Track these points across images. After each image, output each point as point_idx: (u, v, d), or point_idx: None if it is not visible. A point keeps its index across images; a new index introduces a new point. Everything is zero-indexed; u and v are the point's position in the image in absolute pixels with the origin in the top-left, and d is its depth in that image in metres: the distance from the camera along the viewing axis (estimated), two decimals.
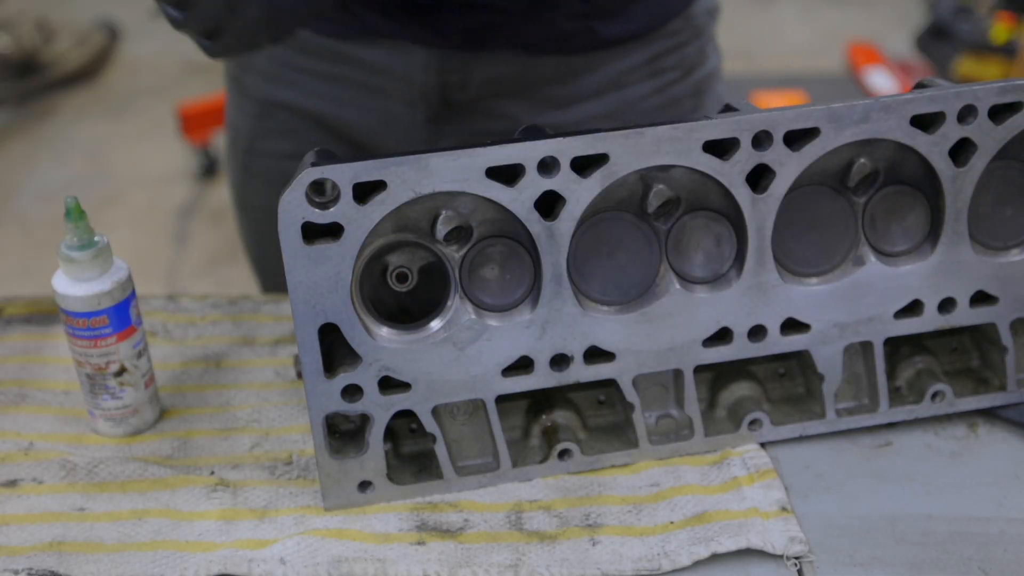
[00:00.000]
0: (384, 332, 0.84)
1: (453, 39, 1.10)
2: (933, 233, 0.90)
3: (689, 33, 1.19)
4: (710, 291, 0.87)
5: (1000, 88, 0.85)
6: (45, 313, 1.13)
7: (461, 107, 1.16)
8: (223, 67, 1.33)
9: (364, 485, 0.86)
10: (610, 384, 0.89)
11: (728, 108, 0.86)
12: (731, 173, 0.83)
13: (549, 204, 0.82)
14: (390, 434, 0.89)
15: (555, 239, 0.82)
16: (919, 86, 0.88)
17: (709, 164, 0.83)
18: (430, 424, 0.86)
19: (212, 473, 0.90)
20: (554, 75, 1.14)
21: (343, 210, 0.78)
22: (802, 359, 0.94)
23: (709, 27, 1.23)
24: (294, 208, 0.77)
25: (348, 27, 1.13)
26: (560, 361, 0.86)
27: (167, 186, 3.87)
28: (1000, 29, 3.72)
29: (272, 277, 1.38)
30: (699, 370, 0.91)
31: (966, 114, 0.85)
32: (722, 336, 0.89)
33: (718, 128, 0.82)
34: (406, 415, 0.86)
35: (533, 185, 0.80)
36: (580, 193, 0.81)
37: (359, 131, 1.22)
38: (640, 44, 1.16)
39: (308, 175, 0.76)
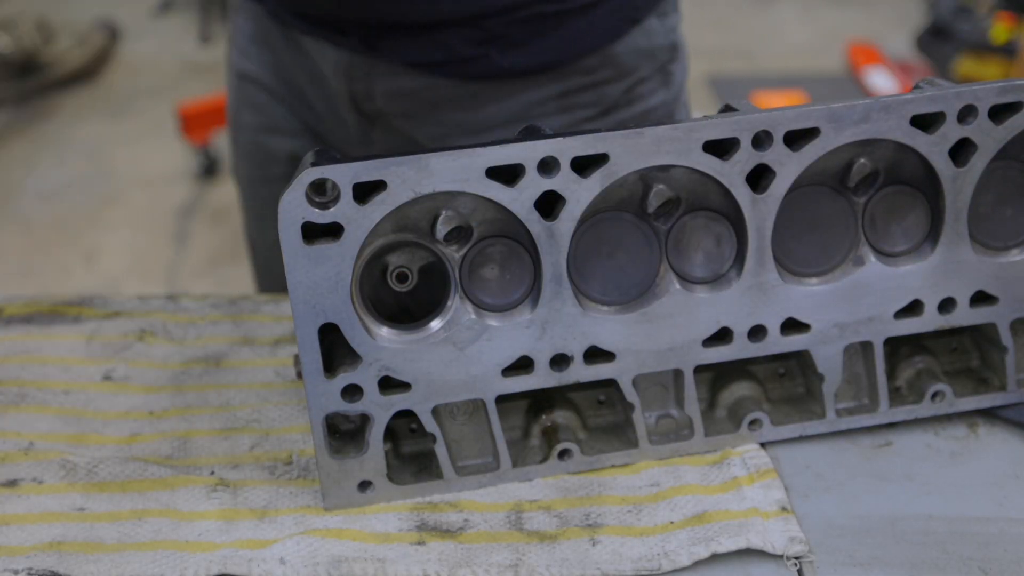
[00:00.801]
0: (384, 332, 0.84)
1: (353, 41, 1.11)
2: (933, 233, 0.90)
3: (609, 72, 1.15)
4: (710, 291, 0.87)
5: (1000, 88, 0.85)
6: (45, 313, 1.13)
7: (374, 119, 1.18)
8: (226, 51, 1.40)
9: (364, 485, 0.86)
10: (610, 384, 0.89)
11: (728, 108, 0.86)
12: (731, 173, 0.83)
13: (549, 204, 0.82)
14: (390, 434, 0.89)
15: (555, 239, 0.82)
16: (919, 86, 0.88)
17: (709, 164, 0.83)
18: (430, 424, 0.86)
19: (212, 473, 0.90)
20: (456, 99, 1.14)
21: (343, 210, 0.78)
22: (802, 359, 0.94)
23: (645, 68, 1.17)
24: (294, 208, 0.77)
25: (285, 18, 1.17)
26: (560, 361, 0.86)
27: (167, 186, 3.88)
28: (1000, 29, 3.73)
29: (257, 250, 1.41)
30: (699, 370, 0.91)
31: (966, 114, 0.85)
32: (722, 336, 0.89)
33: (718, 128, 0.82)
34: (406, 415, 0.86)
35: (533, 185, 0.80)
36: (580, 193, 0.81)
37: (308, 117, 1.25)
38: (550, 78, 1.13)
39: (308, 175, 0.76)
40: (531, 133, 0.82)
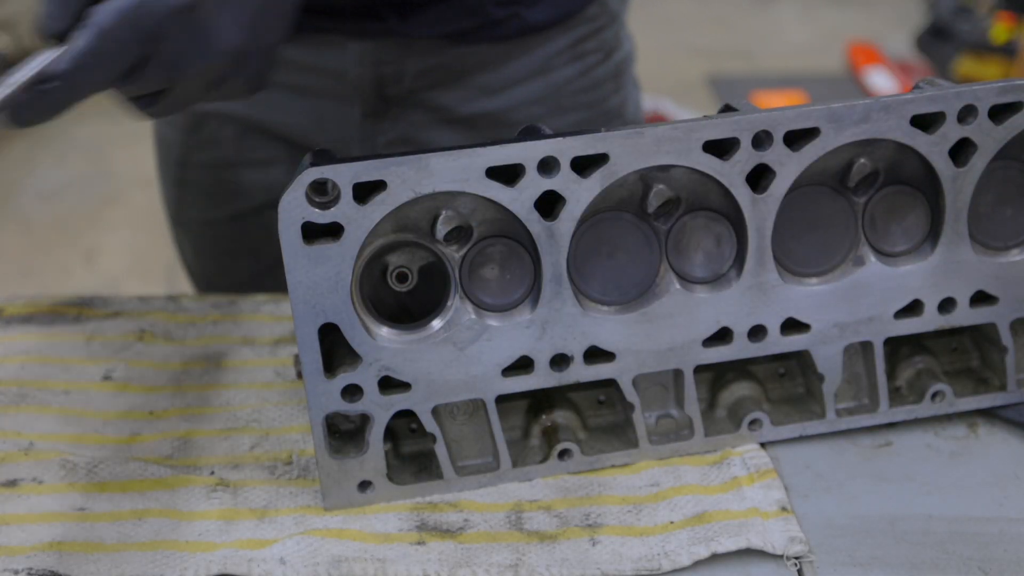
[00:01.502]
0: (384, 332, 0.84)
1: (390, 24, 1.12)
2: (933, 233, 0.90)
3: (605, 19, 1.25)
4: (710, 291, 0.87)
5: (1000, 88, 0.85)
6: (45, 313, 1.13)
7: (396, 100, 1.19)
8: None
9: (364, 485, 0.86)
10: (610, 384, 0.89)
11: (728, 108, 0.86)
12: (731, 173, 0.83)
13: (549, 204, 0.82)
14: (390, 434, 0.89)
15: (555, 239, 0.82)
16: (919, 86, 0.88)
17: (709, 164, 0.83)
18: (430, 424, 0.86)
19: (212, 473, 0.90)
20: (484, 63, 1.18)
21: (343, 210, 0.78)
22: (802, 359, 0.94)
23: (622, 13, 1.29)
24: (294, 208, 0.77)
25: (304, 23, 1.15)
26: (560, 361, 0.86)
27: None
28: (1000, 29, 3.73)
29: (215, 291, 1.38)
30: (699, 370, 0.91)
31: (966, 114, 0.85)
32: (722, 336, 0.89)
33: (718, 128, 0.82)
34: (406, 415, 0.86)
35: (533, 185, 0.80)
36: (580, 193, 0.81)
37: (292, 132, 1.24)
38: (562, 29, 1.21)
39: (308, 175, 0.76)
40: (531, 133, 0.82)
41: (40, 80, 0.69)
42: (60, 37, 0.71)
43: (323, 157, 0.79)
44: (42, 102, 0.71)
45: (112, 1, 0.71)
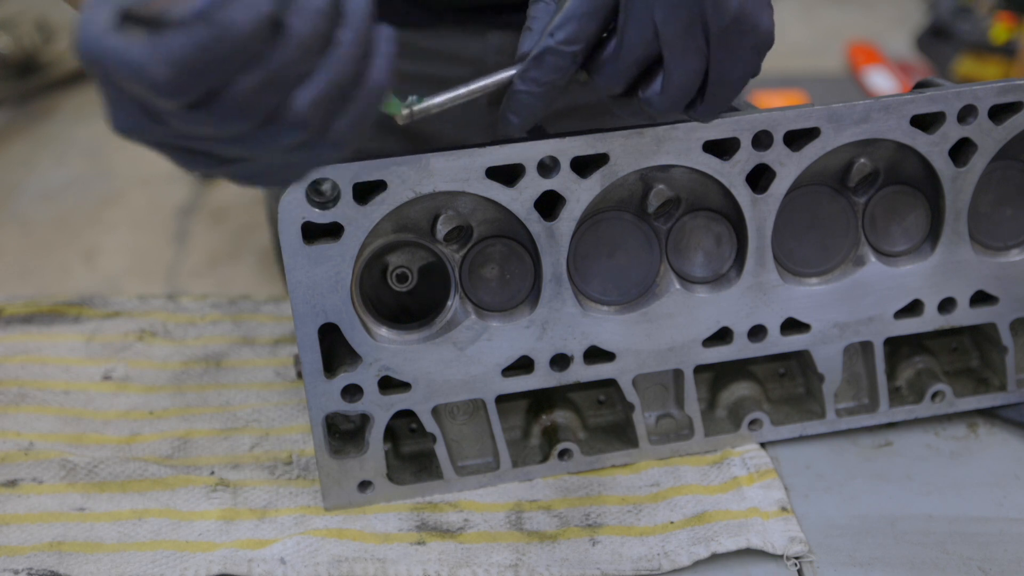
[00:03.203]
0: (384, 332, 0.84)
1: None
2: (933, 233, 0.90)
3: None
4: (710, 291, 0.87)
5: (1000, 88, 0.85)
6: (45, 313, 1.13)
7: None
8: None
9: (364, 485, 0.86)
10: (610, 384, 0.89)
11: (728, 108, 0.86)
12: (731, 173, 0.83)
13: (549, 204, 0.82)
14: (390, 434, 0.89)
15: (555, 239, 0.82)
16: (919, 86, 0.88)
17: (709, 164, 0.83)
18: (430, 424, 0.86)
19: (212, 473, 0.90)
20: None
21: (343, 210, 0.78)
22: (802, 359, 0.94)
23: None
24: (294, 208, 0.77)
25: (420, 16, 1.16)
26: (560, 361, 0.86)
27: (167, 186, 3.87)
28: (1000, 29, 3.72)
29: None
30: (699, 370, 0.91)
31: (966, 114, 0.85)
32: (722, 336, 0.89)
33: (718, 128, 0.81)
34: (406, 415, 0.86)
35: (533, 185, 0.80)
36: (580, 193, 0.81)
37: (417, 122, 1.25)
38: None
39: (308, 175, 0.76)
40: (531, 133, 0.82)
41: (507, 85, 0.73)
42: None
43: None
44: (511, 99, 0.73)
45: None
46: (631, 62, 0.70)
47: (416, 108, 0.72)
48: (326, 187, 0.78)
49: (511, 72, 0.74)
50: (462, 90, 0.73)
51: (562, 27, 0.71)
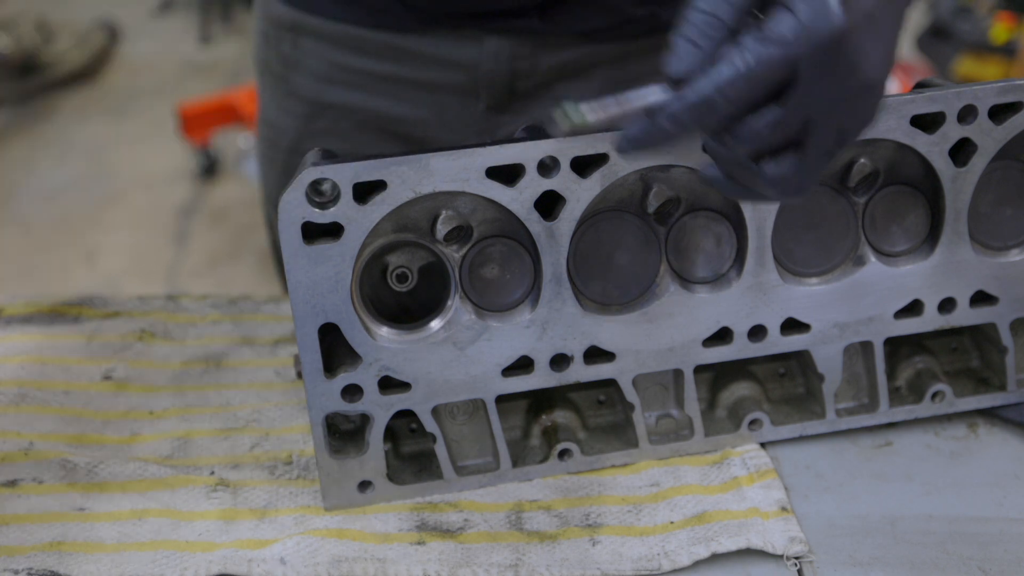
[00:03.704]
0: (384, 332, 0.84)
1: (531, 22, 1.13)
2: (933, 233, 0.90)
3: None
4: (710, 291, 0.87)
5: (1000, 88, 0.85)
6: (45, 313, 1.13)
7: (524, 93, 1.20)
8: (253, 64, 1.33)
9: (364, 485, 0.86)
10: (610, 384, 0.89)
11: None
12: None
13: (549, 204, 0.82)
14: (390, 434, 0.89)
15: (555, 239, 0.82)
16: (919, 86, 0.88)
17: None
18: (430, 424, 0.86)
19: (212, 473, 0.90)
20: (614, 58, 1.19)
21: (343, 210, 0.78)
22: (802, 359, 0.94)
23: None
24: (294, 208, 0.77)
25: (416, 21, 1.16)
26: (560, 361, 0.86)
27: (167, 186, 3.88)
28: (1000, 29, 3.72)
29: None
30: (699, 370, 0.91)
31: (966, 114, 0.85)
32: (722, 336, 0.89)
33: None
34: (406, 415, 0.86)
35: (533, 185, 0.80)
36: (580, 193, 0.81)
37: (412, 126, 1.23)
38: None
39: (308, 175, 0.76)
40: (531, 133, 0.82)
41: (651, 111, 0.68)
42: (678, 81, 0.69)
43: (323, 157, 0.79)
44: (649, 130, 0.69)
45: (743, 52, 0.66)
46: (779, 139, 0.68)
47: (579, 123, 0.68)
48: (326, 187, 0.78)
49: (661, 97, 0.68)
50: (614, 110, 0.69)
51: (733, 84, 0.66)
